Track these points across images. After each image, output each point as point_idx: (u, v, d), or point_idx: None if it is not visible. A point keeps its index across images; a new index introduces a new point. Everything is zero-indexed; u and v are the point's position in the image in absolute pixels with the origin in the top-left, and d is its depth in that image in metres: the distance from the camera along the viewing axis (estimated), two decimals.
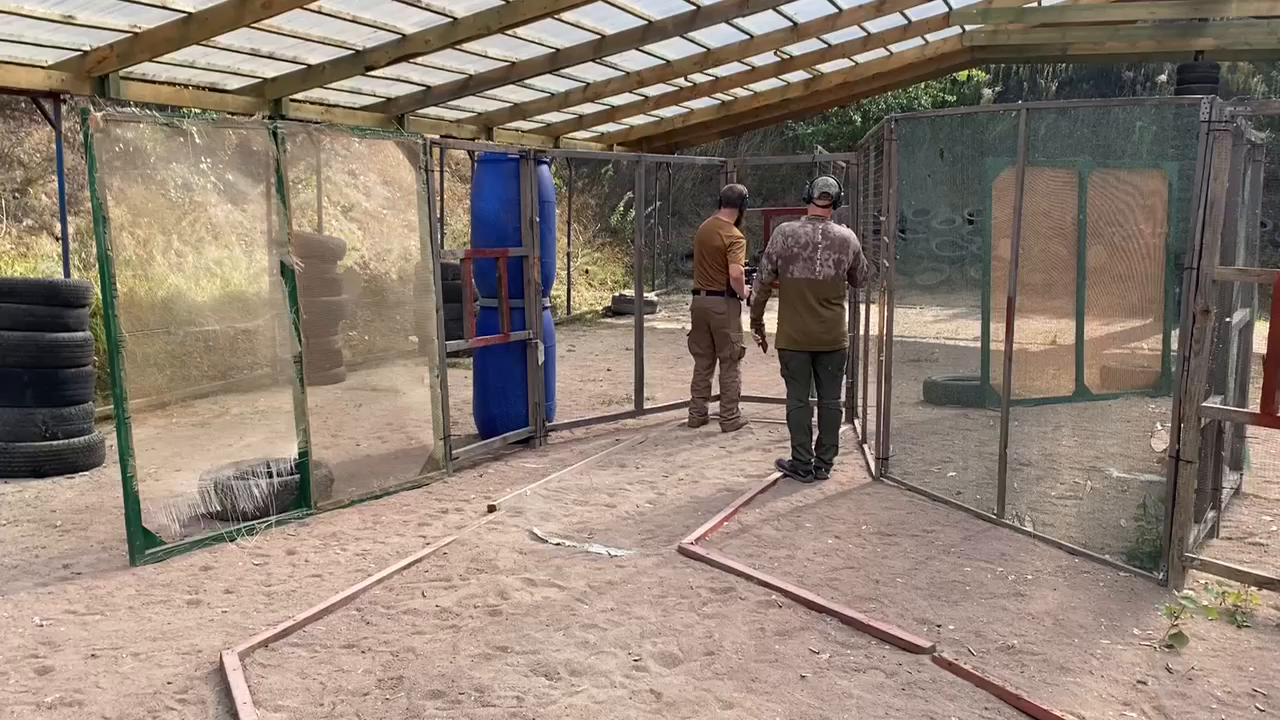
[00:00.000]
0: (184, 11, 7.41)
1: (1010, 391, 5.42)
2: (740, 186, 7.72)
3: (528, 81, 11.64)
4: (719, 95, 15.13)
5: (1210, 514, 5.09)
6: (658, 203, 18.77)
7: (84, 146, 4.52)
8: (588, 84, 12.72)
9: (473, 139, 13.05)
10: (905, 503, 5.80)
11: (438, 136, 8.53)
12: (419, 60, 9.66)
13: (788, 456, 6.46)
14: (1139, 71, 21.78)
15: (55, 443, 6.28)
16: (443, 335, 6.34)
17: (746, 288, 7.20)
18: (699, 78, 13.54)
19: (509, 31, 9.25)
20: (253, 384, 8.64)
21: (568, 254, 15.96)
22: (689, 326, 7.91)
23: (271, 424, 7.08)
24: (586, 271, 17.82)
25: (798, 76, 14.95)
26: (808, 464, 6.29)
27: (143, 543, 4.76)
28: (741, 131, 19.97)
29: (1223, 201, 4.28)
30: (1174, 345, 6.85)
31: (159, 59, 8.08)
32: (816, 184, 6.32)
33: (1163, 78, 20.92)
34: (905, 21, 12.83)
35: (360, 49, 9.17)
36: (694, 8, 10.06)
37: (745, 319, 7.30)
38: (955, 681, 3.59)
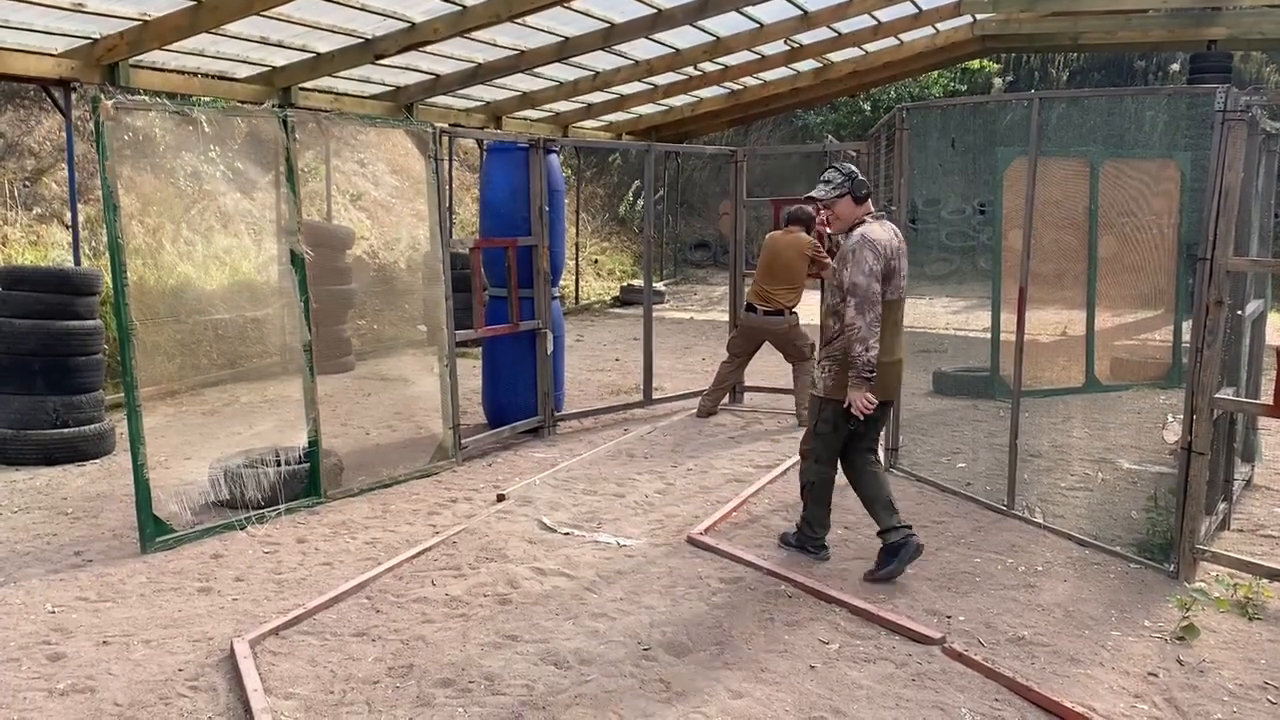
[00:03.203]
0: None
1: (1021, 382, 5.40)
2: (809, 208, 7.42)
3: (537, 70, 11.61)
4: (728, 84, 15.07)
5: (1221, 506, 5.07)
6: (666, 191, 18.73)
7: (94, 135, 4.52)
8: (597, 73, 12.68)
9: (481, 128, 13.03)
10: (915, 494, 5.79)
11: (446, 125, 8.51)
12: (428, 49, 9.64)
13: (791, 530, 4.96)
14: (1151, 61, 21.63)
15: (66, 430, 6.31)
16: (452, 324, 6.34)
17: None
18: (708, 66, 13.48)
19: (518, 19, 9.23)
20: (262, 372, 8.66)
21: (576, 243, 15.93)
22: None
23: (281, 412, 7.10)
24: (595, 261, 17.78)
25: (808, 65, 14.88)
26: (822, 541, 4.82)
27: (153, 530, 4.78)
28: (751, 120, 19.89)
29: (1237, 192, 4.25)
30: (1186, 336, 6.82)
31: (168, 47, 8.07)
32: (860, 177, 4.54)
33: (1175, 67, 20.78)
34: (916, 10, 12.75)
35: (369, 37, 9.15)
36: None
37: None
38: (965, 672, 3.59)
